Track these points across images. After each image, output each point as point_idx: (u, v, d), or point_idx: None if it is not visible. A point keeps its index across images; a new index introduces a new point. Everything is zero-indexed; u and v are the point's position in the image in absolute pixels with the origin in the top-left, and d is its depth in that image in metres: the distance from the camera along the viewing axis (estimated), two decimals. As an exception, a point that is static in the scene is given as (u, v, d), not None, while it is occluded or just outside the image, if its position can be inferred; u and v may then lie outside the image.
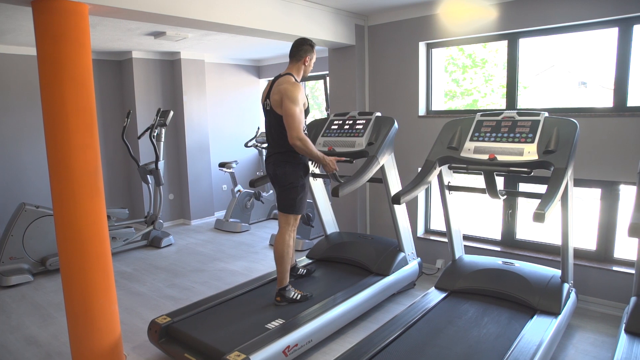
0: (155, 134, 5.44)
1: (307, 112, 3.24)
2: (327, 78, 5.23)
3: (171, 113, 5.49)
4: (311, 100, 8.00)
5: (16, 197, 5.17)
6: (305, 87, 7.04)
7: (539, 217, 2.35)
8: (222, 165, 6.39)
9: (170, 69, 6.49)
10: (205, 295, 3.71)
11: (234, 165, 6.37)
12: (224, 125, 7.18)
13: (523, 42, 3.85)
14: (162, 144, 5.55)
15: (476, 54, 8.50)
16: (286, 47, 5.57)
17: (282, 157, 3.20)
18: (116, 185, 6.52)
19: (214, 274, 4.61)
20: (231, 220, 6.34)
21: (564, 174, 2.61)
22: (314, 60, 3.25)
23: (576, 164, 3.42)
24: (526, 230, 4.12)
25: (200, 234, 6.15)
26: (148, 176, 5.61)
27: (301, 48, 3.18)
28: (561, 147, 2.74)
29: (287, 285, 3.29)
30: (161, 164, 5.51)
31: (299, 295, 3.30)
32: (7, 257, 4.38)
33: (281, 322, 2.95)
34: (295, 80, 3.14)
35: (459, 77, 8.54)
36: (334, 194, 3.10)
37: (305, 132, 3.22)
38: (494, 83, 8.24)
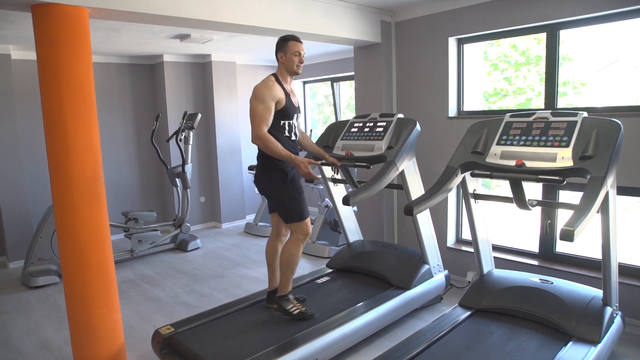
0: (182, 138, 5.43)
1: (288, 111, 2.95)
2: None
3: (199, 116, 5.46)
4: (353, 100, 7.74)
5: (45, 201, 5.30)
6: (337, 88, 6.83)
7: (567, 234, 2.04)
8: (251, 168, 6.33)
9: (201, 71, 6.50)
10: (221, 303, 3.60)
11: (263, 168, 6.28)
12: (256, 127, 7.09)
13: (564, 34, 3.47)
14: (190, 147, 5.54)
15: (530, 51, 8.01)
16: (318, 47, 5.44)
17: (258, 161, 3.07)
18: (149, 188, 6.60)
19: (234, 280, 4.51)
20: (260, 224, 6.25)
21: (602, 184, 2.25)
22: (291, 51, 2.94)
23: (626, 169, 3.02)
24: (567, 242, 3.69)
25: (228, 238, 6.10)
26: (176, 179, 5.63)
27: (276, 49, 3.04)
28: (600, 152, 2.38)
29: (287, 295, 3.10)
30: (188, 167, 5.50)
31: (297, 311, 3.04)
32: (36, 258, 4.49)
33: (284, 339, 2.77)
34: (277, 79, 2.96)
35: (511, 74, 8.11)
36: (344, 202, 2.89)
37: (287, 134, 2.99)
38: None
